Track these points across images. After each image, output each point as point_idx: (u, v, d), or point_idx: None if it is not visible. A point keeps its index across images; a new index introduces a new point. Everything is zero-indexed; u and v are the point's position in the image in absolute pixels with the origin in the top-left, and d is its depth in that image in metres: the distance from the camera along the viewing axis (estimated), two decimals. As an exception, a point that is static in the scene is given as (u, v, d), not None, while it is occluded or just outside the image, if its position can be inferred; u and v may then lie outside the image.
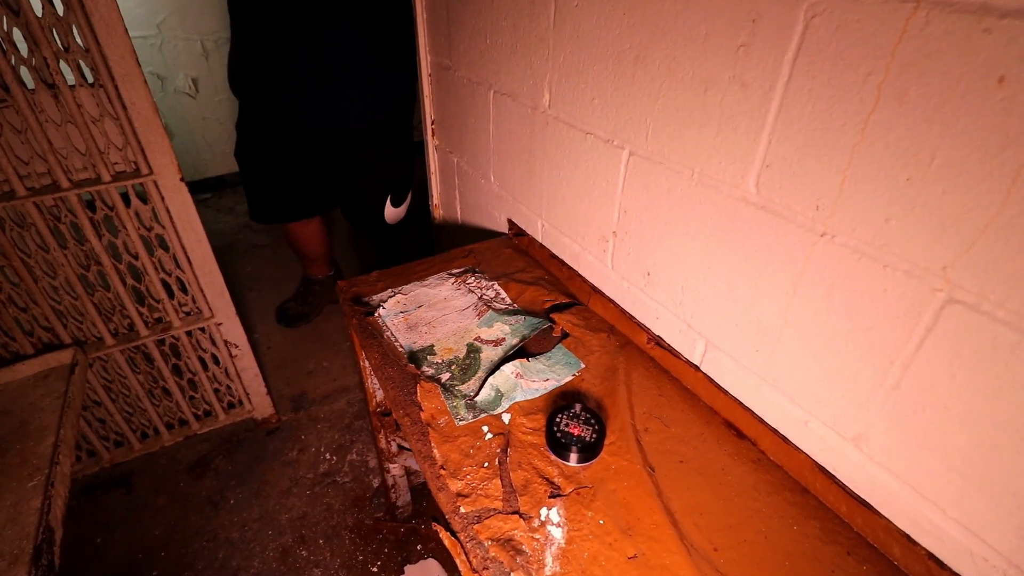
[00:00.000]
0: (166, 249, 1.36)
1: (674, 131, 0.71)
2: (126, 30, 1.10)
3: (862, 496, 0.61)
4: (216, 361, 1.59)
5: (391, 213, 1.89)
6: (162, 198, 1.27)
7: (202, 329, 1.50)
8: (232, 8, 1.54)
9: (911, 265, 0.50)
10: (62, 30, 1.08)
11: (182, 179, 1.27)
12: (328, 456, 1.66)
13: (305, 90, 1.57)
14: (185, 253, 1.36)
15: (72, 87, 1.13)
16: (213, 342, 1.54)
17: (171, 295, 1.42)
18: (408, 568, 1.37)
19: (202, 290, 1.43)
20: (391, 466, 1.31)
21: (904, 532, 0.57)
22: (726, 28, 0.60)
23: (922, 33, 0.44)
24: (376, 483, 1.57)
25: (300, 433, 1.74)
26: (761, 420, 0.71)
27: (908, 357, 0.52)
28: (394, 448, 1.26)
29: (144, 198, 1.28)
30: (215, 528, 1.45)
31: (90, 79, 1.15)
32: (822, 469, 0.64)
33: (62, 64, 1.10)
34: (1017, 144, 0.41)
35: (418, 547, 1.41)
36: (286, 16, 1.47)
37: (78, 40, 1.10)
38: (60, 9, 1.06)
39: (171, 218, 1.30)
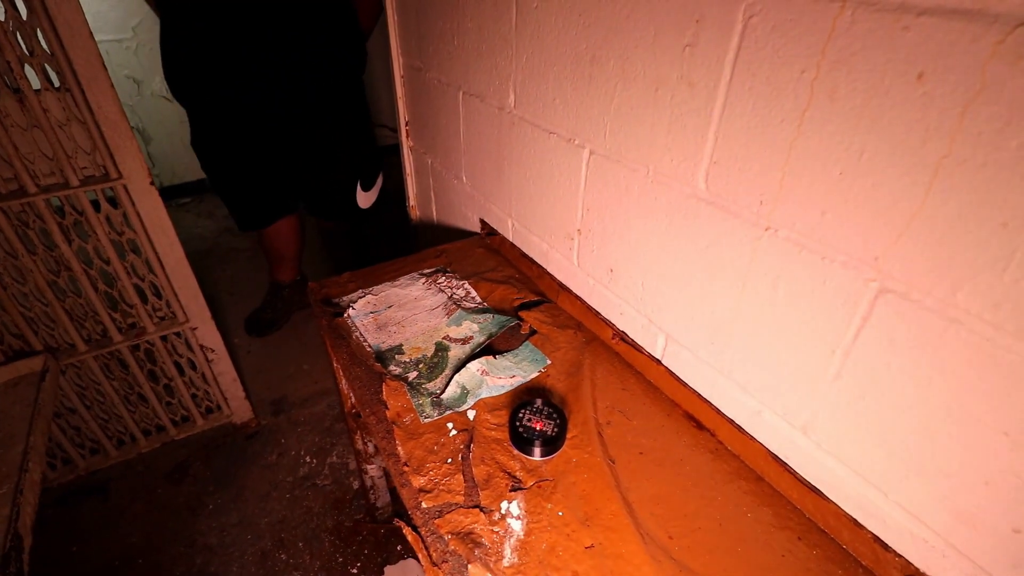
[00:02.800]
0: (138, 254, 1.35)
1: (629, 130, 0.72)
2: (91, 34, 1.09)
3: (812, 482, 0.62)
4: (193, 366, 1.58)
5: (363, 198, 1.89)
6: (132, 202, 1.27)
7: (177, 334, 1.50)
8: (178, 27, 1.49)
9: (847, 257, 0.51)
10: (26, 34, 1.07)
11: (152, 183, 1.26)
12: (308, 459, 1.66)
13: (252, 70, 1.54)
14: (158, 257, 1.36)
15: (37, 91, 1.13)
16: (189, 347, 1.53)
17: (144, 300, 1.41)
18: (388, 569, 1.37)
19: (176, 294, 1.42)
20: (368, 467, 1.31)
21: (851, 516, 0.59)
22: (673, 28, 0.61)
23: (848, 32, 0.46)
24: (356, 485, 1.57)
25: (280, 437, 1.73)
26: (718, 411, 0.72)
27: (847, 346, 0.54)
28: (371, 449, 1.27)
29: (114, 202, 1.27)
30: (193, 534, 1.45)
31: (56, 83, 1.14)
32: (775, 457, 0.66)
33: (27, 68, 1.10)
34: (937, 137, 0.43)
35: (398, 548, 1.42)
36: (246, 32, 1.45)
37: (43, 44, 1.09)
38: (24, 13, 1.05)
39: (142, 222, 1.30)
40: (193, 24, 1.47)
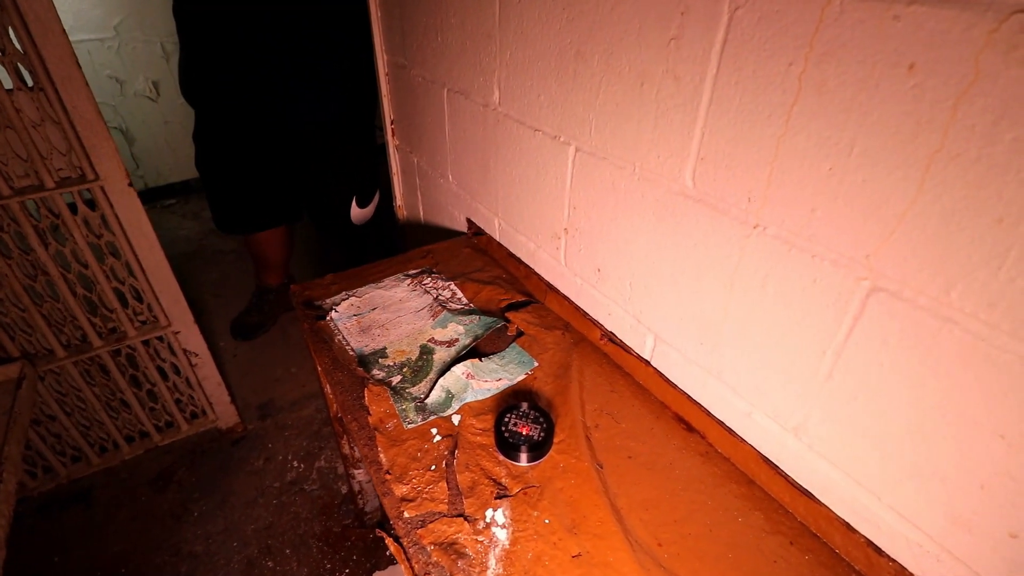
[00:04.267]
0: (117, 257, 1.32)
1: (615, 126, 0.71)
2: (64, 31, 1.06)
3: (803, 485, 0.61)
4: (176, 371, 1.55)
5: (357, 214, 1.86)
6: (110, 204, 1.23)
7: (160, 338, 1.46)
8: (178, 11, 1.50)
9: (837, 255, 0.50)
10: (-5, 32, 1.04)
11: (130, 184, 1.23)
12: (296, 464, 1.63)
13: (268, 87, 1.54)
14: (137, 260, 1.32)
15: (10, 91, 1.09)
16: (172, 351, 1.50)
17: (125, 304, 1.38)
18: (377, 574, 1.35)
19: (157, 298, 1.39)
20: (356, 472, 1.29)
21: (844, 520, 0.58)
22: (658, 21, 0.60)
23: (837, 22, 0.44)
24: (345, 489, 1.54)
25: (267, 441, 1.71)
26: (708, 413, 0.71)
27: (839, 346, 0.52)
28: (357, 454, 1.24)
29: (92, 204, 1.24)
30: (178, 542, 1.42)
31: (29, 82, 1.11)
32: (766, 460, 0.64)
33: (-3, 67, 1.07)
34: (929, 131, 0.41)
35: (387, 553, 1.40)
36: (242, 14, 1.44)
37: (14, 42, 1.06)
38: (-7, 10, 1.02)
39: (120, 225, 1.26)
40: (188, 7, 1.47)
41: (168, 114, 3.05)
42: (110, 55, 2.78)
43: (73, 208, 1.23)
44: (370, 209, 1.90)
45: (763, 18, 0.49)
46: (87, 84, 1.12)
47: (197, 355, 1.53)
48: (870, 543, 0.56)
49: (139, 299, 1.40)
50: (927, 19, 0.39)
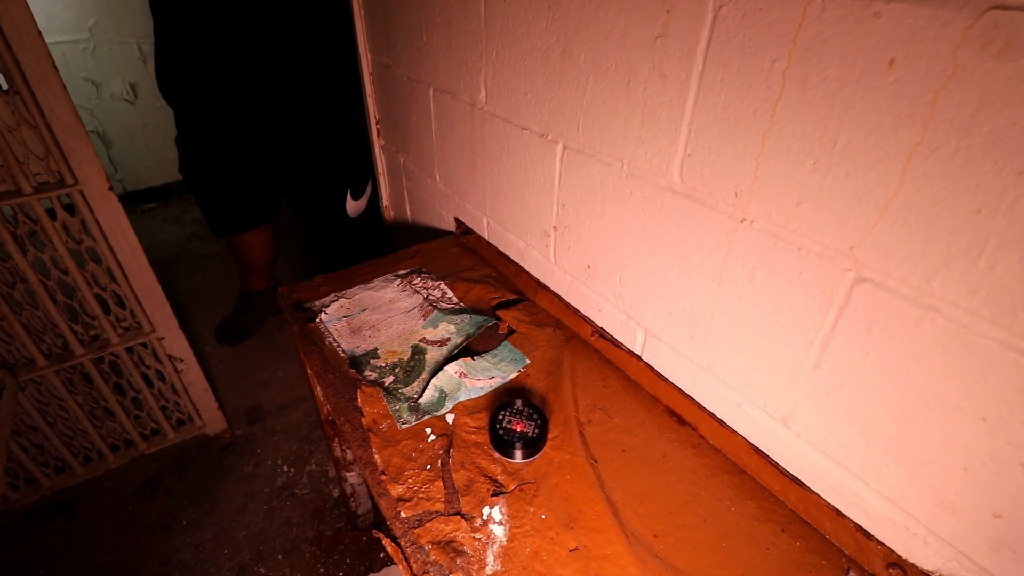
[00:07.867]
0: (99, 262, 1.30)
1: (603, 124, 0.71)
2: (39, 33, 1.04)
3: (793, 473, 0.62)
4: (161, 377, 1.53)
5: (353, 206, 1.86)
6: (90, 209, 1.21)
7: (144, 345, 1.44)
8: (157, 4, 1.48)
9: (822, 247, 0.51)
10: (-32, 35, 1.02)
11: (110, 188, 1.21)
12: (286, 468, 1.62)
13: (254, 78, 1.52)
14: (119, 265, 1.30)
15: (-17, 95, 1.07)
16: (156, 357, 1.48)
17: (107, 311, 1.36)
18: (371, 577, 1.35)
19: (140, 303, 1.37)
20: (348, 475, 1.29)
21: (833, 506, 0.59)
22: (643, 19, 0.60)
23: (819, 19, 0.45)
24: (336, 493, 1.54)
25: (256, 447, 1.69)
26: (700, 405, 0.72)
27: (825, 336, 0.53)
28: (349, 456, 1.24)
29: (71, 209, 1.22)
30: (167, 551, 1.40)
31: (4, 86, 1.09)
32: (757, 450, 0.65)
33: (-30, 71, 1.04)
34: (909, 125, 0.42)
35: (381, 555, 1.39)
36: (226, 4, 1.42)
37: (-13, 45, 1.04)
38: (-36, 12, 1.00)
39: (101, 229, 1.24)
40: (210, 27, 1.47)
41: (146, 117, 3.00)
42: (85, 57, 2.72)
43: (52, 213, 1.20)
44: (364, 200, 1.89)
45: (747, 16, 0.50)
46: (64, 87, 1.10)
47: (182, 361, 1.51)
48: (859, 528, 0.57)
49: (122, 305, 1.37)
50: (906, 16, 0.41)
